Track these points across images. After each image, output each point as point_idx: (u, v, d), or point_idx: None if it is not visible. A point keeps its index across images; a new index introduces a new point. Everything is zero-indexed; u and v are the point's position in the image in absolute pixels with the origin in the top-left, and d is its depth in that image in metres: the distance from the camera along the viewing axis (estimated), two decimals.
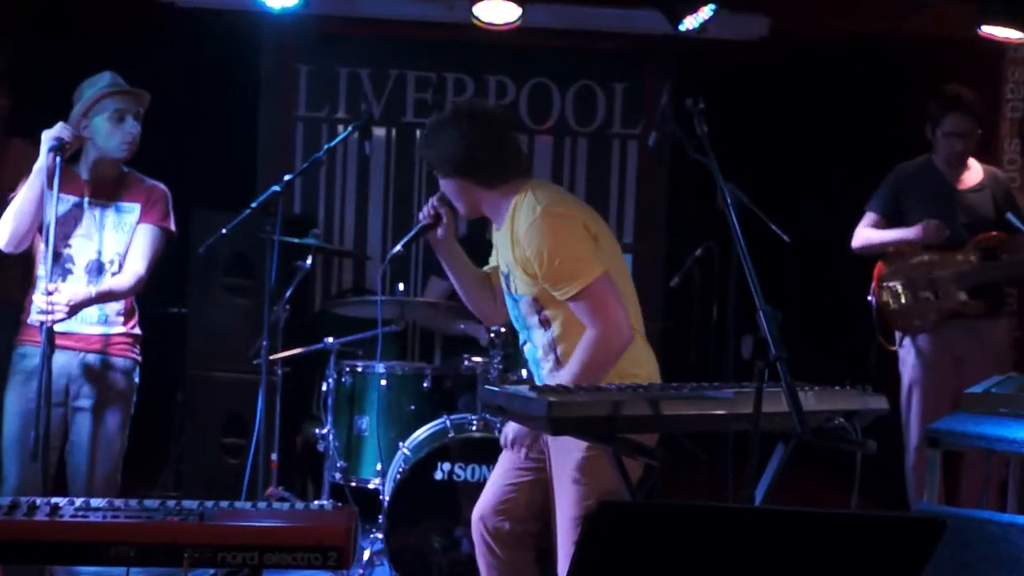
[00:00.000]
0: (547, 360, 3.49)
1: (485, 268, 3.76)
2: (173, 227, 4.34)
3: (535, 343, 3.53)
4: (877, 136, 7.49)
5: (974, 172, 5.33)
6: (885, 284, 5.35)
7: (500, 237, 3.52)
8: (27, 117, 4.75)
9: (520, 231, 3.35)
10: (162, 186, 4.34)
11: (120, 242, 4.24)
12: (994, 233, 5.16)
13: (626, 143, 7.42)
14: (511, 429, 3.55)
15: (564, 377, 3.28)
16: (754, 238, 4.45)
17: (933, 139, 5.28)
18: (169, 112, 6.72)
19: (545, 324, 3.45)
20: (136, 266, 4.24)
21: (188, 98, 6.84)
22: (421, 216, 3.61)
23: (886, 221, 5.38)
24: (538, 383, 3.47)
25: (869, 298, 5.42)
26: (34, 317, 4.04)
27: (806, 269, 7.56)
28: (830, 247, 7.52)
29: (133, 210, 4.27)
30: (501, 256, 3.55)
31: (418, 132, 7.20)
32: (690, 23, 6.01)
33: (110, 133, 4.17)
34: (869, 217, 5.44)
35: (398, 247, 3.65)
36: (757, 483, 2.80)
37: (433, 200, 3.58)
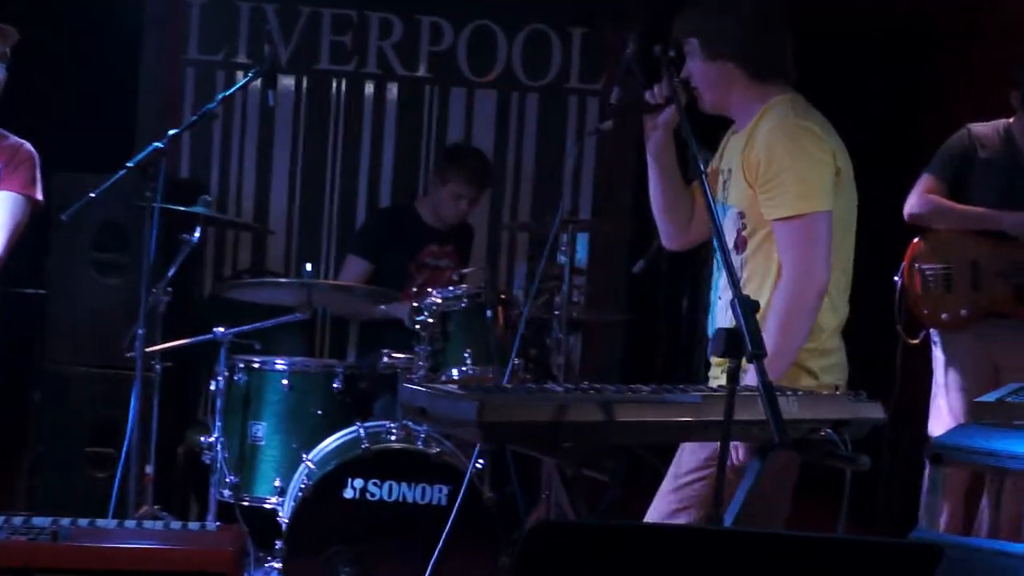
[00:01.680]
0: (726, 290, 3.53)
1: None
2: (40, 195, 4.31)
3: (722, 268, 3.57)
4: (886, 97, 7.56)
5: None
6: (919, 266, 5.39)
7: (735, 140, 3.62)
8: None
9: (761, 131, 3.47)
10: (28, 146, 4.33)
11: None
12: None
13: (584, 100, 7.44)
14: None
15: (769, 343, 3.30)
16: None
17: (1019, 106, 5.28)
18: (28, 54, 6.69)
19: (740, 246, 3.54)
20: None
21: (51, 37, 6.75)
22: (650, 95, 3.62)
23: (946, 187, 5.39)
24: (711, 322, 3.61)
25: (895, 278, 5.45)
26: None
27: None
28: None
29: None
30: (726, 159, 3.66)
31: (333, 82, 7.19)
32: None
33: None
34: (928, 181, 5.39)
35: (605, 124, 3.77)
36: (728, 502, 2.82)
37: (675, 79, 3.58)
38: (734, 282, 2.77)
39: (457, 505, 4.45)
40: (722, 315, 3.57)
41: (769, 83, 3.56)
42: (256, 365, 5.33)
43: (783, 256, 3.39)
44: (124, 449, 4.56)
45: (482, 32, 7.36)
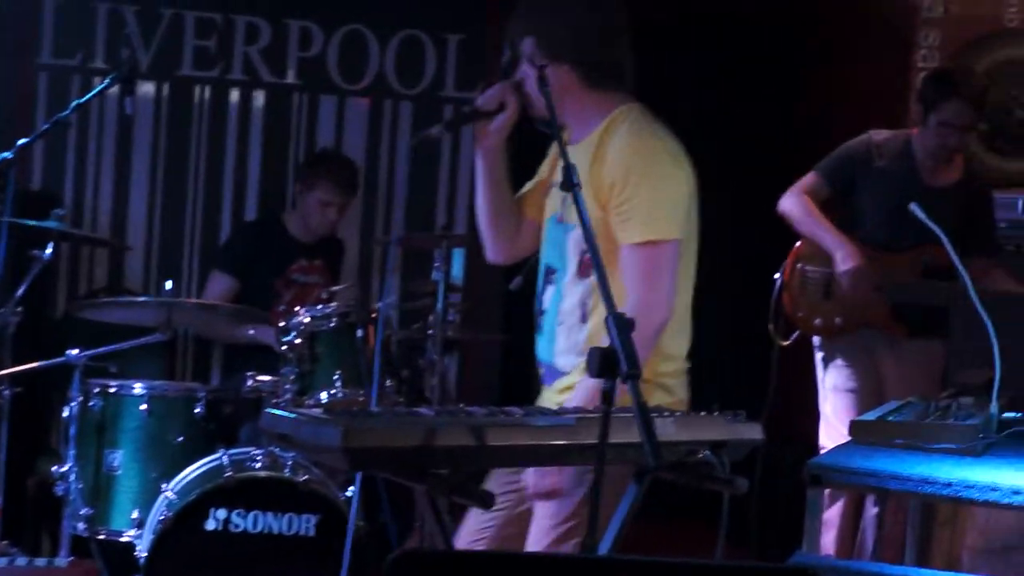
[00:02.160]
0: (572, 314, 3.58)
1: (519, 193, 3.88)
2: None
3: (564, 290, 3.63)
4: (760, 104, 7.70)
5: (954, 170, 5.46)
6: (801, 266, 5.49)
7: (573, 151, 3.53)
8: None
9: (613, 147, 3.48)
10: None
11: None
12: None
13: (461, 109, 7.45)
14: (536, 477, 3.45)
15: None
16: None
17: (923, 122, 5.38)
18: None
19: (585, 270, 3.55)
20: None
21: None
22: (480, 99, 3.66)
23: (831, 192, 5.49)
24: (545, 348, 3.66)
25: (776, 276, 5.54)
26: None
27: None
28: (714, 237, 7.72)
29: None
30: (561, 172, 3.61)
31: (196, 89, 7.15)
32: None
33: None
34: (810, 181, 5.49)
35: (434, 129, 3.74)
36: (604, 529, 2.86)
37: (504, 83, 3.64)
38: (608, 298, 2.81)
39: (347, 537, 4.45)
40: (563, 338, 3.60)
41: (608, 91, 3.59)
42: (112, 389, 5.27)
43: (627, 283, 3.42)
44: None
45: (353, 37, 7.36)
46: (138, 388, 5.27)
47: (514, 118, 3.66)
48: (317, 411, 2.85)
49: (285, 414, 2.82)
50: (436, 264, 5.67)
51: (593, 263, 2.92)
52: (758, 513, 5.36)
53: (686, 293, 3.61)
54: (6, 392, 5.07)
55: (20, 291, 5.06)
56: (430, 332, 5.71)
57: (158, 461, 5.20)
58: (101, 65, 7.07)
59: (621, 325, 2.71)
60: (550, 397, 3.64)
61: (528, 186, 3.88)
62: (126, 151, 7.13)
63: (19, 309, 5.06)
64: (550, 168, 3.80)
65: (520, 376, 6.86)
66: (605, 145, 3.52)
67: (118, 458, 5.22)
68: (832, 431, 5.39)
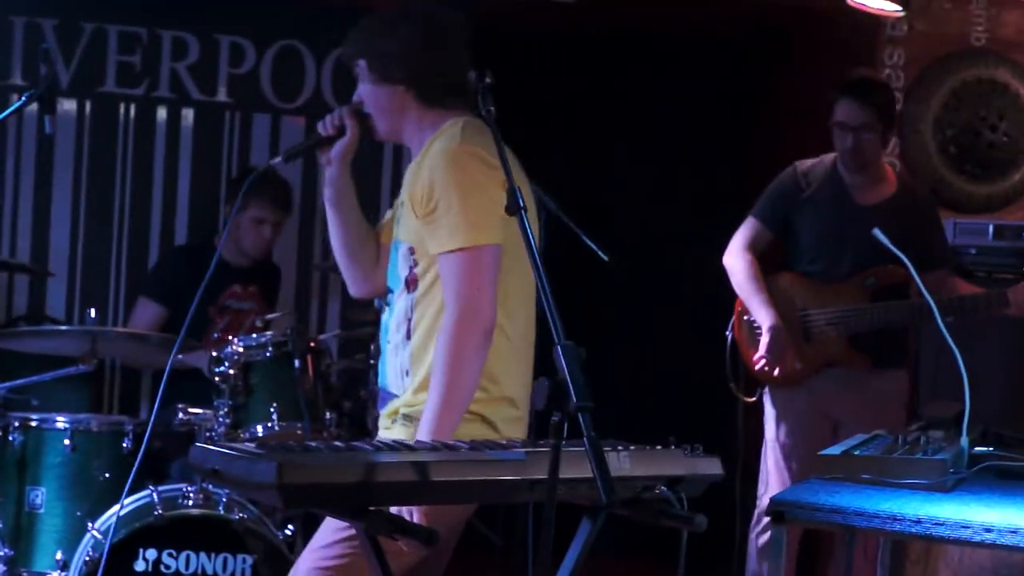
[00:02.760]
0: (398, 331, 3.60)
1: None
2: None
3: (394, 307, 3.66)
4: (724, 127, 7.74)
5: (886, 185, 5.48)
6: (747, 318, 5.51)
7: (410, 169, 3.67)
8: None
9: (427, 159, 3.54)
10: None
11: None
12: (891, 267, 5.18)
13: None
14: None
15: (434, 394, 3.38)
16: (564, 255, 4.56)
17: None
18: None
19: (411, 285, 3.59)
20: None
21: None
22: (320, 126, 3.70)
23: (772, 234, 5.53)
24: (380, 371, 3.67)
25: (727, 333, 5.58)
26: None
27: (635, 295, 7.74)
28: (670, 267, 7.76)
29: None
30: (402, 194, 3.68)
31: (121, 107, 7.10)
32: None
33: None
34: (752, 227, 5.52)
35: (278, 159, 3.76)
36: (557, 568, 2.85)
37: (341, 109, 3.69)
38: (556, 325, 2.79)
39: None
40: (392, 358, 3.63)
41: (445, 108, 3.65)
42: (34, 423, 5.21)
43: (446, 293, 3.45)
44: None
45: (288, 53, 7.34)
46: (61, 421, 5.21)
47: (355, 142, 3.72)
48: (250, 446, 2.83)
49: (216, 448, 2.78)
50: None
51: (539, 287, 2.90)
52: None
53: (524, 318, 3.63)
54: None
55: None
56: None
57: (83, 498, 5.16)
58: (19, 82, 7.03)
59: (570, 355, 2.70)
60: (382, 422, 3.66)
61: (387, 214, 3.88)
62: (46, 172, 7.07)
63: None
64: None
65: None
66: (423, 158, 3.58)
67: (40, 495, 5.17)
68: (765, 489, 5.43)
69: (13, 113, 5.09)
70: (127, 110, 7.14)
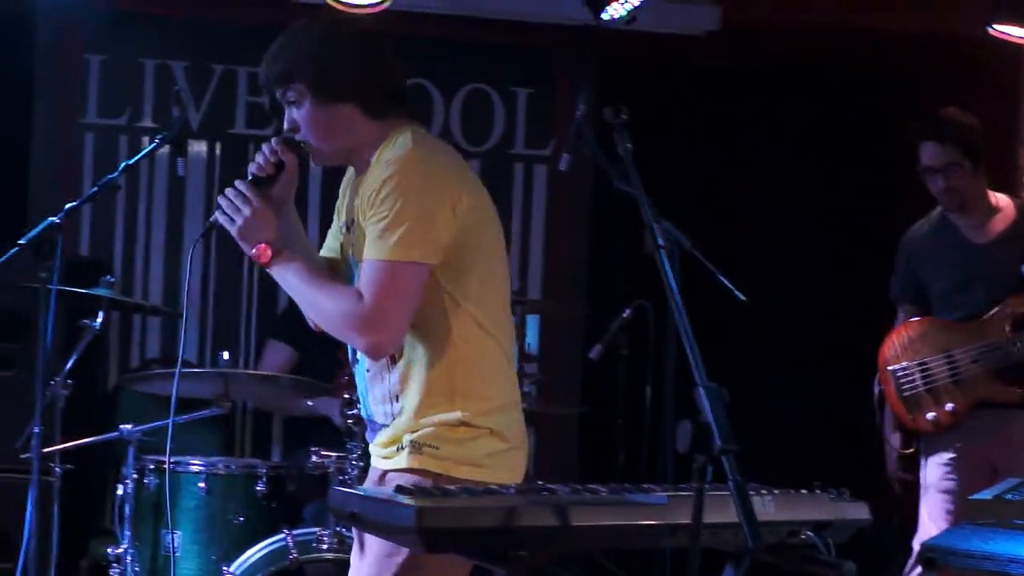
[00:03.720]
0: (378, 360, 3.49)
1: (324, 253, 3.78)
2: None
3: None
4: (858, 163, 7.68)
5: (1003, 216, 5.45)
6: (891, 368, 5.49)
7: (354, 188, 3.55)
8: None
9: (375, 168, 3.42)
10: None
11: None
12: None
13: (532, 167, 7.49)
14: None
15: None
16: (699, 295, 4.54)
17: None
18: None
19: None
20: None
21: None
22: (254, 167, 3.55)
23: (919, 307, 5.54)
24: (363, 402, 3.58)
25: (875, 387, 5.56)
26: None
27: (767, 334, 7.69)
28: (803, 305, 7.70)
29: None
30: (348, 213, 3.58)
31: (251, 148, 7.19)
32: (616, 11, 6.11)
33: None
34: (901, 310, 5.66)
35: (216, 216, 3.55)
36: None
37: (273, 143, 3.54)
38: (698, 366, 2.79)
39: None
40: (377, 388, 3.52)
41: (389, 118, 3.52)
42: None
43: (364, 291, 3.35)
44: (20, 564, 4.51)
45: (418, 93, 7.39)
46: (196, 465, 5.29)
47: (296, 175, 3.60)
48: (388, 490, 2.85)
49: (355, 492, 2.82)
50: None
51: (680, 327, 2.89)
52: None
53: (506, 323, 3.60)
54: (57, 469, 5.11)
55: (69, 363, 5.10)
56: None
57: (218, 542, 5.21)
58: (150, 124, 7.15)
59: (713, 397, 2.69)
60: (374, 452, 3.57)
61: (330, 240, 3.78)
62: (178, 214, 7.19)
63: (69, 382, 5.10)
64: (342, 206, 3.71)
65: (601, 451, 6.89)
66: (372, 171, 3.44)
67: (176, 539, 5.23)
68: (923, 533, 5.37)
69: (145, 156, 5.18)
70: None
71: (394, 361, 3.46)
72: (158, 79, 7.19)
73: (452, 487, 2.95)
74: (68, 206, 4.54)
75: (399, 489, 2.79)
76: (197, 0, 7.06)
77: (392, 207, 3.32)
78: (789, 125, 7.83)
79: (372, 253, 3.35)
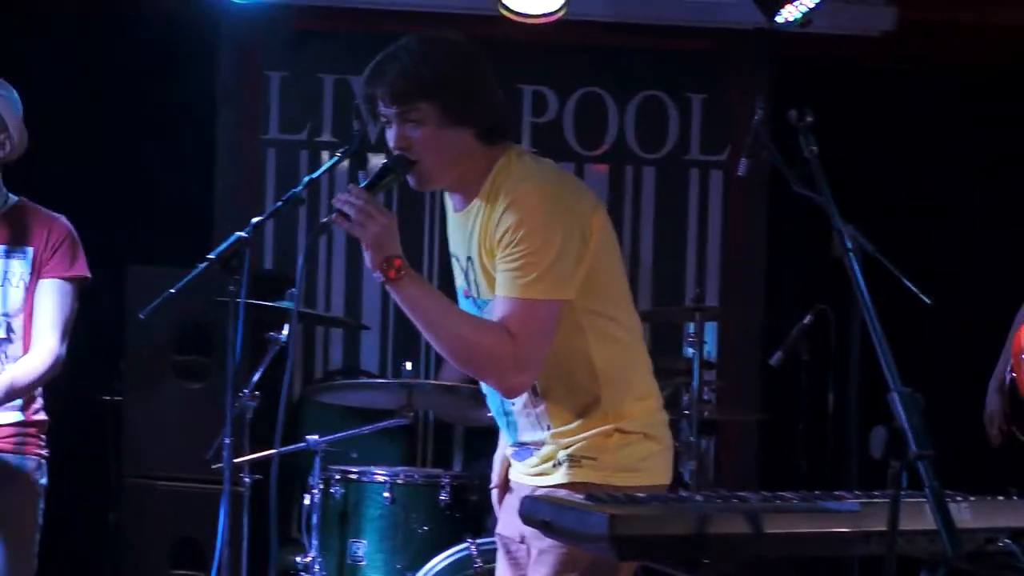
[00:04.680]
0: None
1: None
2: (86, 271, 4.48)
3: None
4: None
5: None
6: None
7: (461, 220, 3.48)
8: None
9: (506, 198, 3.30)
10: (63, 219, 4.47)
11: (6, 299, 4.36)
12: None
13: (707, 173, 7.47)
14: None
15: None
16: (881, 300, 4.47)
17: None
18: (93, 137, 6.88)
19: None
20: (48, 341, 4.37)
21: (119, 118, 6.93)
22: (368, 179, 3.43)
23: None
24: (510, 431, 3.53)
25: (1006, 375, 5.41)
26: None
27: (951, 340, 7.54)
28: (990, 310, 7.54)
29: (26, 256, 4.40)
30: (460, 246, 3.51)
31: None
32: (790, 13, 6.06)
33: None
34: None
35: (333, 216, 3.41)
36: None
37: (397, 160, 3.42)
38: (892, 370, 2.74)
39: None
40: (522, 418, 3.47)
41: (496, 146, 3.40)
42: (354, 476, 5.37)
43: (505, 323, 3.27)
44: (213, 572, 4.59)
45: (590, 100, 7.41)
46: (380, 475, 5.35)
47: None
48: (579, 497, 2.85)
49: (547, 500, 2.82)
50: (688, 339, 5.63)
51: (872, 331, 2.84)
52: None
53: (638, 323, 3.54)
54: (246, 480, 5.20)
55: (256, 375, 5.19)
56: (685, 412, 5.67)
57: (403, 551, 5.26)
58: (329, 138, 7.25)
59: (907, 402, 2.64)
60: (521, 474, 3.54)
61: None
62: None
63: (256, 394, 5.18)
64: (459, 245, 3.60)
65: (781, 458, 6.83)
66: (495, 198, 3.33)
67: (362, 548, 5.30)
68: None
69: (327, 170, 5.25)
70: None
71: (535, 392, 3.42)
72: (337, 93, 7.29)
73: (641, 495, 2.94)
74: (255, 221, 4.60)
75: (590, 497, 2.79)
76: (374, 14, 7.13)
77: (529, 244, 3.24)
78: (967, 125, 7.68)
79: (512, 291, 3.28)
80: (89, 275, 4.49)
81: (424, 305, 3.34)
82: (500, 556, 3.64)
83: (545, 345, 3.30)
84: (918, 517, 2.65)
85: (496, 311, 3.32)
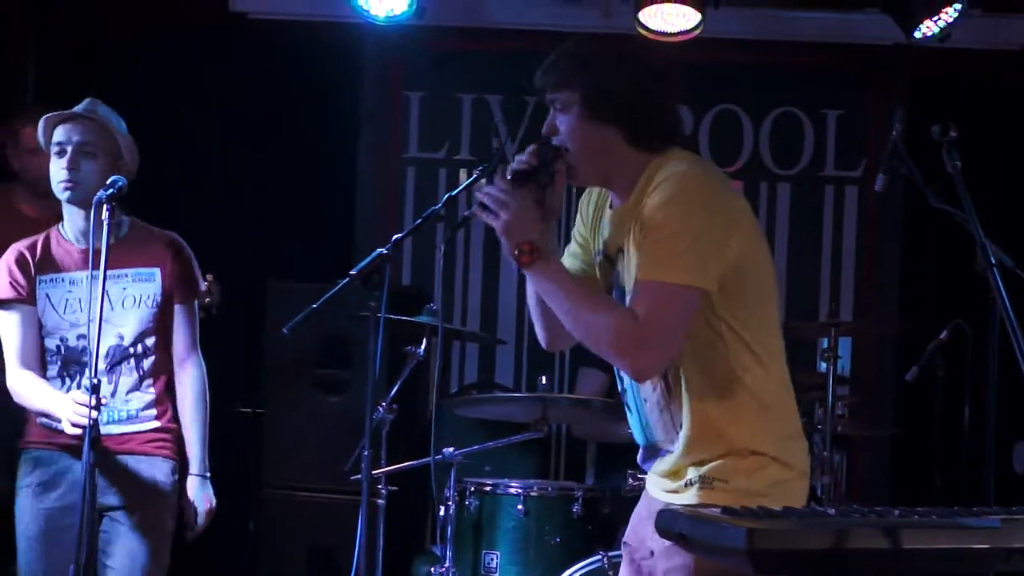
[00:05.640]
0: (653, 390, 3.41)
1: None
2: (203, 287, 4.63)
3: None
4: None
5: None
6: None
7: (619, 215, 3.43)
8: None
9: (656, 191, 3.25)
10: (177, 238, 4.63)
11: (142, 319, 4.50)
12: None
13: (843, 189, 7.40)
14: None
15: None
16: (1020, 317, 4.40)
17: None
18: (238, 155, 6.98)
19: None
20: (196, 359, 4.60)
21: (263, 136, 7.02)
22: (515, 163, 3.37)
23: None
24: (637, 429, 3.49)
25: None
26: (74, 421, 4.19)
27: None
28: None
29: (152, 277, 4.52)
30: (612, 239, 3.45)
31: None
32: (928, 29, 5.99)
33: (52, 172, 4.40)
34: None
35: (474, 209, 3.40)
36: None
37: (542, 147, 3.38)
38: None
39: None
40: (655, 416, 3.41)
41: (655, 151, 3.32)
42: (488, 488, 5.36)
43: (639, 310, 3.20)
44: None
45: (726, 117, 7.37)
46: (514, 487, 5.33)
47: (564, 185, 3.38)
48: (715, 510, 2.82)
49: (684, 513, 2.79)
50: (822, 354, 5.57)
51: (1016, 346, 2.79)
52: None
53: (783, 347, 3.41)
54: (384, 491, 5.23)
55: (395, 389, 5.22)
56: (818, 427, 5.61)
57: (536, 563, 5.24)
58: (468, 156, 7.29)
59: None
60: (654, 481, 3.46)
61: (567, 260, 3.60)
62: (495, 243, 7.22)
63: (394, 407, 5.21)
64: (587, 228, 3.57)
65: (915, 473, 6.73)
66: (648, 192, 3.26)
67: (495, 559, 5.29)
68: None
69: (465, 188, 5.26)
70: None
71: (670, 391, 3.37)
72: (475, 112, 7.33)
73: (777, 508, 2.90)
74: (395, 237, 4.63)
75: (727, 511, 2.76)
76: (511, 34, 7.16)
77: (671, 228, 3.19)
78: None
79: (647, 273, 3.21)
80: (205, 288, 4.68)
81: (555, 288, 3.31)
82: (624, 563, 3.60)
83: (673, 330, 3.21)
84: None
85: (635, 296, 3.26)
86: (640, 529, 3.48)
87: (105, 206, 4.08)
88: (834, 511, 2.88)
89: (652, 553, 3.42)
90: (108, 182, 4.16)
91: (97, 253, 4.29)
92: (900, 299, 7.32)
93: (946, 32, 5.95)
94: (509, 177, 3.35)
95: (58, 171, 4.36)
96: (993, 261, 2.89)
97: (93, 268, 4.15)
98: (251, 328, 6.10)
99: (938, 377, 6.13)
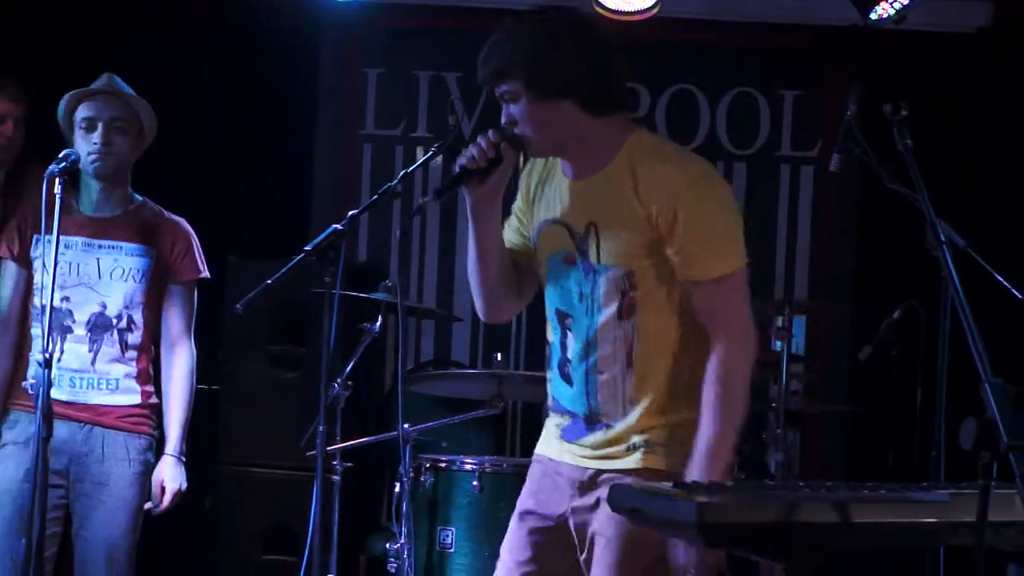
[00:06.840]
0: (614, 362, 3.40)
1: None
2: (207, 272, 4.74)
3: (598, 335, 3.43)
4: None
5: None
6: None
7: (579, 188, 3.45)
8: (42, 130, 4.96)
9: (654, 174, 3.32)
10: (184, 223, 4.65)
11: (128, 292, 4.57)
12: None
13: (798, 169, 7.41)
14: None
15: (709, 428, 3.26)
16: (972, 295, 4.43)
17: None
18: (196, 132, 6.94)
19: (627, 312, 3.38)
20: (187, 342, 4.74)
21: (220, 114, 6.99)
22: (464, 159, 3.43)
23: None
24: (578, 400, 3.45)
25: None
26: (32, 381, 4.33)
27: None
28: None
29: (146, 254, 4.61)
30: (577, 212, 3.45)
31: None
32: (885, 11, 6.00)
33: (80, 147, 4.49)
34: None
35: (429, 197, 3.62)
36: None
37: (491, 135, 3.42)
38: (983, 361, 2.70)
39: None
40: (606, 389, 3.41)
41: (613, 115, 3.39)
42: (444, 465, 5.37)
43: (714, 322, 3.32)
44: (304, 558, 4.62)
45: (683, 97, 7.38)
46: (470, 463, 5.35)
47: (509, 170, 3.45)
48: (667, 485, 2.83)
49: (635, 487, 2.80)
50: (776, 332, 5.59)
51: (964, 321, 2.79)
52: None
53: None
54: (339, 467, 5.23)
55: (350, 366, 5.21)
56: (773, 405, 5.63)
57: (492, 539, 5.22)
58: (424, 134, 7.27)
59: (998, 393, 2.60)
60: (579, 451, 3.46)
61: (508, 233, 3.66)
62: (452, 221, 7.28)
63: (349, 383, 5.21)
64: (527, 203, 3.63)
65: (869, 450, 6.77)
66: (634, 171, 3.34)
67: (451, 535, 5.31)
68: None
69: (421, 165, 5.26)
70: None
71: (631, 366, 3.39)
72: (432, 90, 7.31)
73: (727, 483, 2.92)
74: (351, 213, 4.62)
75: (677, 484, 2.77)
76: (469, 12, 7.14)
77: (715, 222, 3.34)
78: None
79: (714, 273, 3.32)
80: (208, 275, 4.74)
81: None
82: (519, 533, 3.65)
83: (747, 307, 3.37)
84: (1007, 508, 2.62)
85: (696, 297, 3.34)
86: (551, 499, 3.52)
87: (57, 179, 4.09)
88: (802, 485, 2.90)
89: (563, 517, 3.47)
90: (60, 156, 4.20)
91: (97, 222, 4.55)
92: (854, 278, 7.34)
93: (902, 14, 5.97)
94: (458, 171, 3.44)
95: (89, 144, 4.48)
96: (943, 239, 2.90)
97: (58, 235, 4.12)
98: (209, 305, 6.08)
99: (891, 356, 6.16)
